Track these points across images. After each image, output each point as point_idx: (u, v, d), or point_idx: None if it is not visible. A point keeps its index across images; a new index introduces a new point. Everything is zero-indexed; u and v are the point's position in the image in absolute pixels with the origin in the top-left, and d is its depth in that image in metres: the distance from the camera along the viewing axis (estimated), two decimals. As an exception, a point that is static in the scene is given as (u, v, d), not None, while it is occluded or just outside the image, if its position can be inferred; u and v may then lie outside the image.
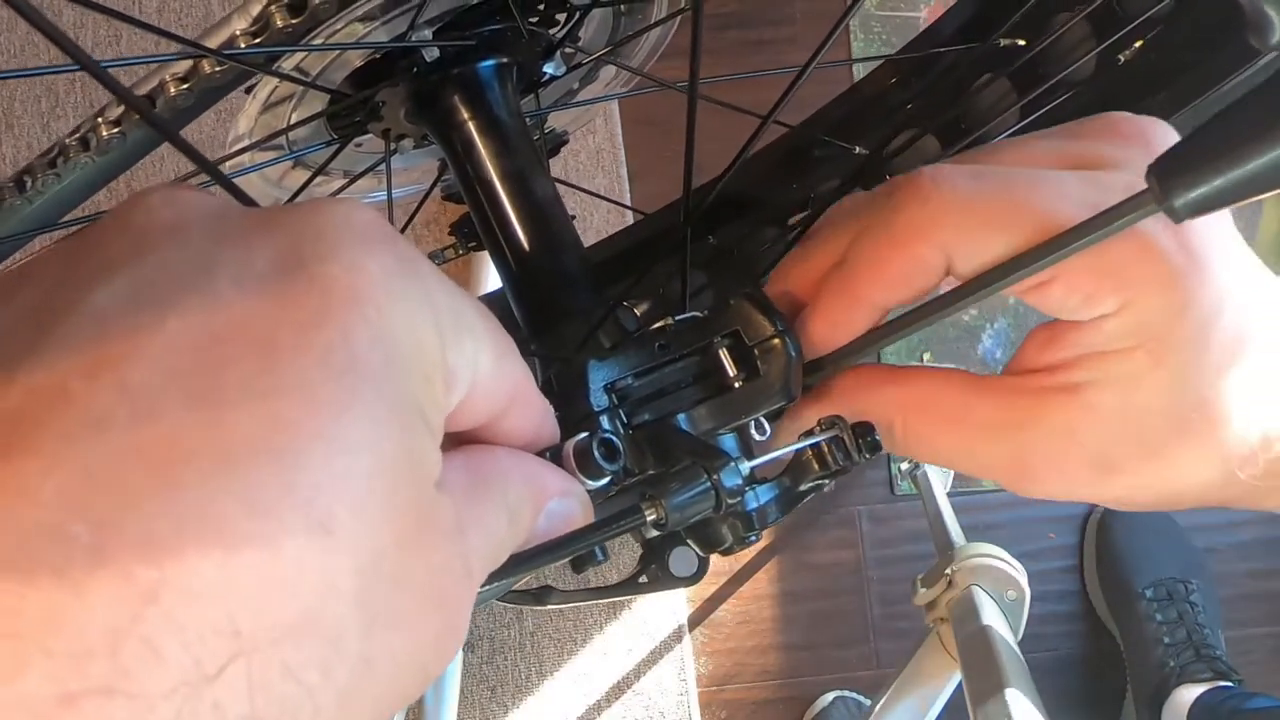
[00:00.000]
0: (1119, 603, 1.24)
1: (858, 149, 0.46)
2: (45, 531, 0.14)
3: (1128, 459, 0.30)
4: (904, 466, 1.25)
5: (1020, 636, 0.86)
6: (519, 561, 0.24)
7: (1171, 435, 0.29)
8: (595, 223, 1.28)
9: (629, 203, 1.27)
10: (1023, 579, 0.90)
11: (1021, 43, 0.41)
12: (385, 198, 0.53)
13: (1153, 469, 0.30)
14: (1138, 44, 0.38)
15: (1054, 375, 0.30)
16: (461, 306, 0.20)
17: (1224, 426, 0.29)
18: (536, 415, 0.25)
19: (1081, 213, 0.27)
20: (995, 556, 0.91)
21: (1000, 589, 0.90)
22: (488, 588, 0.23)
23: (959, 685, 0.89)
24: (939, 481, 1.16)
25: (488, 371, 0.21)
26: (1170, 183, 0.24)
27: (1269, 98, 0.22)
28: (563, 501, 0.25)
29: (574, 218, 0.43)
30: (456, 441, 0.23)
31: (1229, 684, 1.12)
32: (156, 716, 0.14)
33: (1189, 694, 1.13)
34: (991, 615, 0.86)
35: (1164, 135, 0.31)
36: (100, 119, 0.40)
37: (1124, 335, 0.28)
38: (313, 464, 0.16)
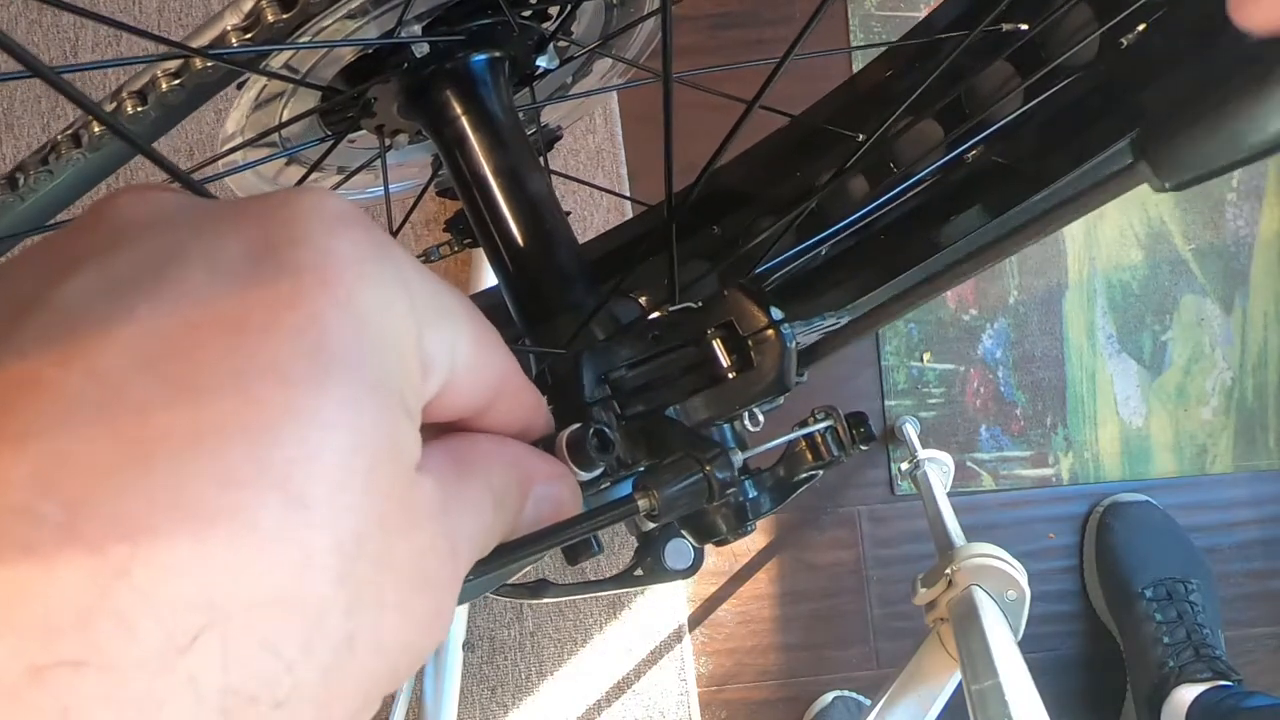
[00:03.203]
0: (1119, 603, 1.24)
1: (860, 136, 0.46)
2: (15, 511, 0.14)
3: None
4: (904, 467, 1.25)
5: (1020, 636, 0.86)
6: (510, 550, 0.24)
7: None
8: (596, 222, 1.27)
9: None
10: (1023, 579, 0.90)
11: (1023, 26, 0.41)
12: (381, 193, 0.53)
13: None
14: (1140, 27, 0.38)
15: None
16: (439, 292, 0.20)
17: None
18: (525, 407, 0.25)
19: None
20: (995, 556, 0.91)
21: (1000, 589, 0.90)
22: (481, 579, 0.23)
23: (959, 685, 0.88)
24: (939, 481, 1.16)
25: (468, 359, 0.21)
26: (1156, 163, 0.24)
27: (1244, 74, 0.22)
28: (550, 485, 0.25)
29: (569, 214, 0.43)
30: (442, 433, 0.23)
31: (1228, 683, 1.12)
32: (129, 688, 0.14)
33: (1188, 693, 1.13)
34: (991, 615, 0.85)
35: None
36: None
37: None
38: (285, 440, 0.16)
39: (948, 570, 0.92)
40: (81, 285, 0.16)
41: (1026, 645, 0.83)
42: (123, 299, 0.16)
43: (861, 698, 1.27)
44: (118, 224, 0.18)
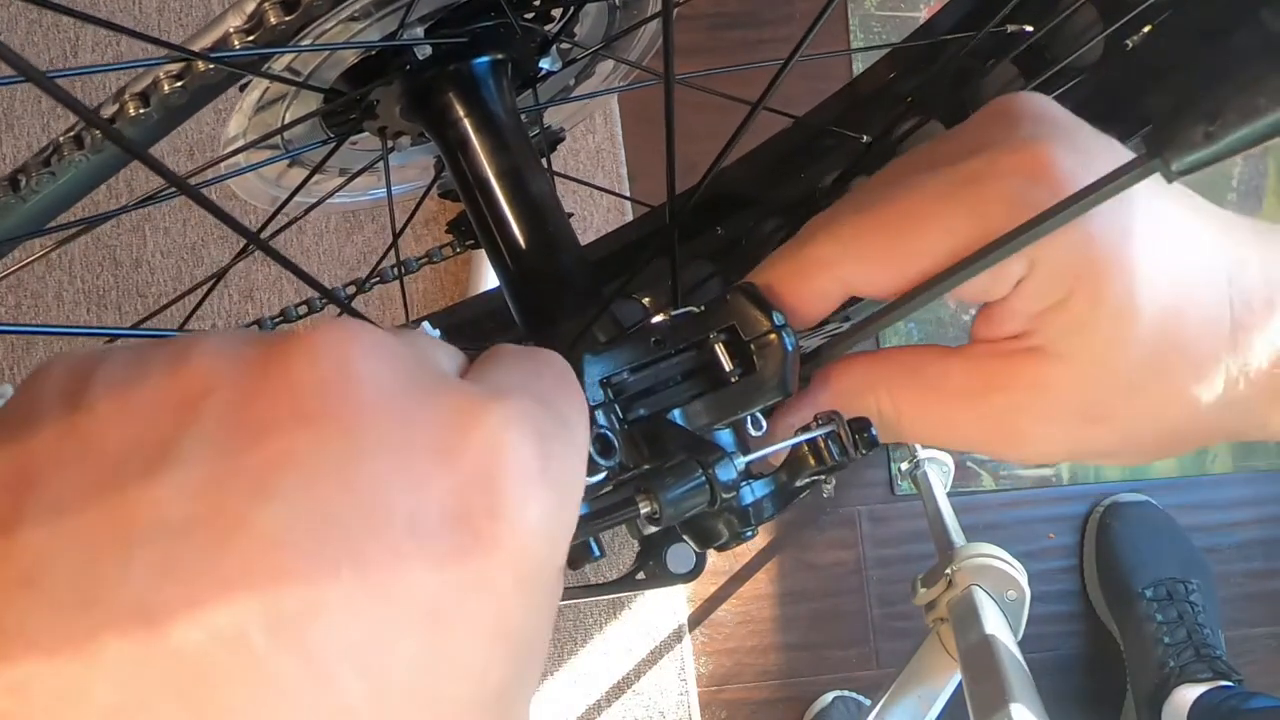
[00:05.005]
0: (1119, 602, 1.24)
1: (864, 138, 0.46)
2: None
3: (1113, 402, 0.30)
4: (904, 466, 1.25)
5: (1020, 636, 0.86)
6: None
7: (1146, 366, 0.29)
8: (596, 222, 1.27)
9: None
10: (1023, 579, 0.90)
11: (1028, 28, 0.41)
12: (383, 195, 0.53)
13: (1141, 406, 0.30)
14: (1146, 29, 0.38)
15: (1016, 342, 0.30)
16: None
17: (1194, 342, 0.29)
18: None
19: (938, 204, 0.29)
20: (995, 556, 0.91)
21: (1000, 589, 0.90)
22: None
23: (959, 685, 0.88)
24: (939, 481, 1.16)
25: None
26: (1166, 150, 0.24)
27: (1254, 71, 0.23)
28: None
29: (571, 215, 0.43)
30: None
31: (1229, 684, 1.12)
32: None
33: (1189, 694, 1.13)
34: (991, 615, 0.85)
35: (1029, 105, 0.31)
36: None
37: (1048, 288, 0.29)
38: None
39: (948, 570, 0.92)
40: (286, 508, 0.16)
41: (1026, 645, 0.83)
42: (326, 549, 0.16)
43: (861, 698, 1.27)
44: (322, 411, 0.17)
